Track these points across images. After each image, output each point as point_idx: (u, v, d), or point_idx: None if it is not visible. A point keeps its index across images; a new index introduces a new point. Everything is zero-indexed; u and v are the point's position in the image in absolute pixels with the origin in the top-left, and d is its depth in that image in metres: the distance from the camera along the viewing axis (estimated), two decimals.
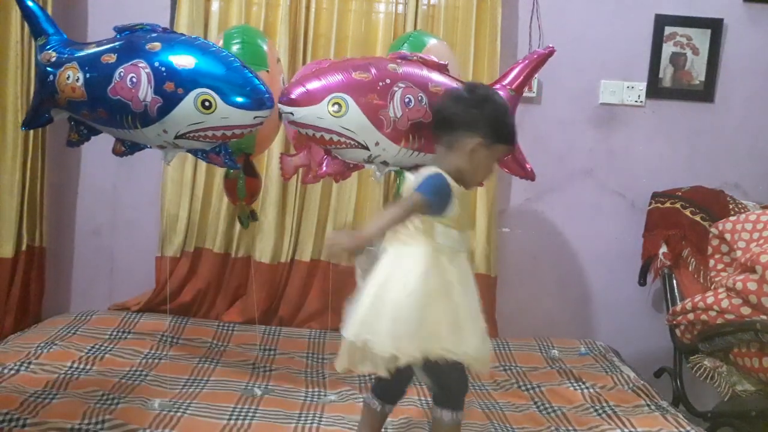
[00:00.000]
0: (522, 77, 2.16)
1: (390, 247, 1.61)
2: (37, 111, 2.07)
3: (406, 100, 1.92)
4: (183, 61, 1.82)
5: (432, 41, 2.32)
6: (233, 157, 2.00)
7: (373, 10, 2.77)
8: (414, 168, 2.25)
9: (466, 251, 1.69)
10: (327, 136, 1.90)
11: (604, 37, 2.86)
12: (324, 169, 2.06)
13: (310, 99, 1.88)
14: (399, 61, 1.99)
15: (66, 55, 1.96)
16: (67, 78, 1.91)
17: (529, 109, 2.83)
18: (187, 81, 1.81)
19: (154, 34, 1.91)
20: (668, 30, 2.85)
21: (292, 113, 1.89)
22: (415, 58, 2.02)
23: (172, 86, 1.80)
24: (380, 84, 1.90)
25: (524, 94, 2.81)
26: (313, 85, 1.89)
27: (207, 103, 1.80)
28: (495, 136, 1.66)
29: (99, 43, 1.96)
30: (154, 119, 1.83)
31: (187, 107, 1.80)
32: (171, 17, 2.73)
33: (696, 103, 2.90)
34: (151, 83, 1.81)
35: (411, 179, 1.68)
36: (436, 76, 2.00)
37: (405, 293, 1.53)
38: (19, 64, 2.56)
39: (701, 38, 2.86)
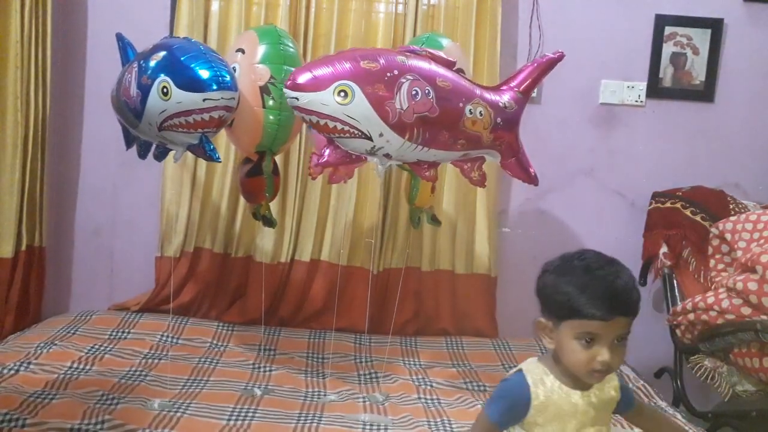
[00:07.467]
0: (530, 80, 2.13)
1: None
2: (123, 129, 2.21)
3: (413, 92, 1.88)
4: (156, 55, 1.92)
5: (447, 42, 2.30)
6: (216, 150, 1.99)
7: (373, 9, 2.77)
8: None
9: None
10: (331, 124, 1.86)
11: (604, 37, 2.85)
12: (325, 158, 2.00)
13: (317, 85, 1.84)
14: (408, 54, 1.97)
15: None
16: (112, 92, 2.10)
17: (529, 109, 2.80)
18: (154, 71, 1.89)
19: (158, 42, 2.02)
20: (668, 30, 2.85)
21: (297, 98, 1.85)
22: (424, 53, 2.00)
23: (145, 78, 1.89)
24: (388, 75, 1.86)
25: None
26: (321, 71, 1.85)
27: (165, 90, 1.86)
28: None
29: None
30: (141, 113, 1.92)
31: (154, 96, 1.87)
32: (171, 17, 2.72)
33: (696, 103, 2.90)
34: (135, 79, 1.93)
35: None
36: (444, 72, 1.98)
37: None
38: (19, 64, 2.55)
39: (701, 38, 2.86)
